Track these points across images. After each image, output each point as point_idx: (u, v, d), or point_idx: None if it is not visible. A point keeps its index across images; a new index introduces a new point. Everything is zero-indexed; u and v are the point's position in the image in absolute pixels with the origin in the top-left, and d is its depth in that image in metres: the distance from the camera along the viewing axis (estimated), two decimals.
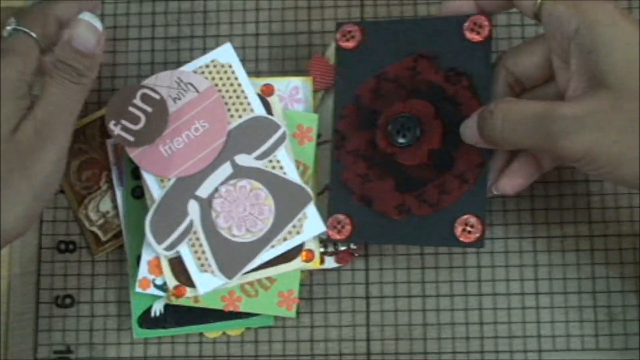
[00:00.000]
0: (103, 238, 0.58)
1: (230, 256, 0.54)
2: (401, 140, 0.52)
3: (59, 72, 0.49)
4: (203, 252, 0.54)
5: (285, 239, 0.55)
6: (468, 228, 0.51)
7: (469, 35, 0.52)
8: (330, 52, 0.58)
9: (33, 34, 0.50)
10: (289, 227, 0.55)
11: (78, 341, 0.58)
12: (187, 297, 0.55)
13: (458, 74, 0.53)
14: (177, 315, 0.57)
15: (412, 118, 0.52)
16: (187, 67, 0.57)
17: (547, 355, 0.56)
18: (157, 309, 0.57)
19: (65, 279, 0.59)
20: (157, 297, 0.57)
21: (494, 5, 0.52)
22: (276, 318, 0.57)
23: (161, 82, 0.56)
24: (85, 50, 0.49)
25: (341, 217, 0.54)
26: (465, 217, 0.51)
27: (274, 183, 0.55)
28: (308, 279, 0.58)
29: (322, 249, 0.56)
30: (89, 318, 0.58)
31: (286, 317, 0.57)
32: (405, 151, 0.52)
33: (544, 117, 0.45)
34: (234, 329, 0.57)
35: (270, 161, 0.55)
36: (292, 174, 0.55)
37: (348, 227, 0.54)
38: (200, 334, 0.58)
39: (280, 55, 0.60)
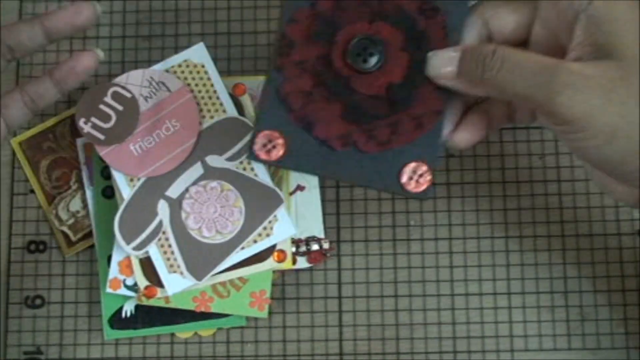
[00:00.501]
0: (73, 238, 0.58)
1: (199, 257, 0.54)
2: (362, 65, 0.47)
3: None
4: (172, 252, 0.54)
5: (255, 241, 0.54)
6: (416, 176, 0.47)
7: None
8: None
9: None
10: (259, 229, 0.54)
11: (48, 342, 0.58)
12: (158, 298, 0.55)
13: (434, 9, 0.48)
14: (148, 315, 0.57)
15: (377, 42, 0.47)
16: (160, 66, 0.56)
17: (519, 355, 0.56)
18: (128, 309, 0.57)
19: (36, 279, 0.58)
20: (128, 298, 0.56)
21: None
22: (248, 318, 0.57)
23: (133, 81, 0.56)
24: None
25: (274, 134, 0.47)
26: (414, 163, 0.47)
27: (245, 185, 0.55)
28: (280, 279, 0.57)
29: (294, 249, 0.56)
30: (59, 318, 0.58)
31: (258, 318, 0.57)
32: (362, 77, 0.47)
33: (549, 66, 0.43)
34: (205, 329, 0.57)
35: (242, 163, 0.55)
36: (263, 176, 0.55)
37: (280, 148, 0.47)
38: (172, 335, 0.57)
39: (252, 54, 0.60)
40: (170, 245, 0.54)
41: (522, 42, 0.48)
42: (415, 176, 0.47)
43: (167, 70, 0.56)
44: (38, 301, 0.58)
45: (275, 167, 0.52)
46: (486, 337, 0.56)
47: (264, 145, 0.47)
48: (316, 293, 0.57)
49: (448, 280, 0.57)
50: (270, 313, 0.57)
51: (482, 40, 0.49)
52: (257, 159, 0.47)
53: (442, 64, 0.46)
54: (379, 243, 0.57)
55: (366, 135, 0.47)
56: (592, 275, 0.57)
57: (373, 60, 0.47)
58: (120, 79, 0.56)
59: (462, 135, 0.49)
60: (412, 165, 0.47)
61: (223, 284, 0.55)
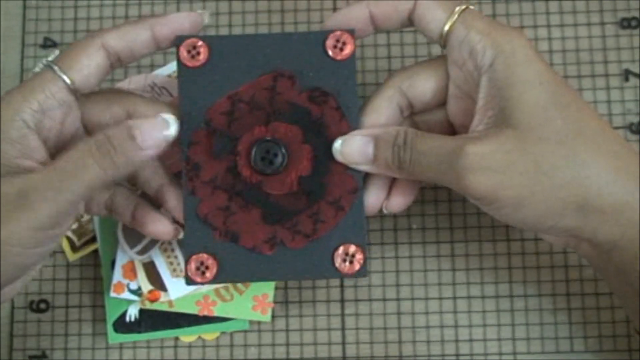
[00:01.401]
0: (77, 243, 0.58)
1: None
2: (269, 168, 0.48)
3: (94, 143, 0.44)
4: (175, 257, 0.54)
5: None
6: (349, 258, 0.48)
7: (332, 52, 0.49)
8: None
9: (61, 74, 0.45)
10: None
11: (53, 346, 0.58)
12: (162, 302, 0.55)
13: (324, 94, 0.49)
14: (152, 319, 0.57)
15: (278, 143, 0.48)
16: (161, 71, 0.57)
17: (521, 357, 0.56)
18: (132, 313, 0.57)
19: (40, 284, 0.59)
20: (132, 302, 0.56)
21: (391, 22, 0.48)
22: (251, 322, 0.57)
23: (135, 86, 0.56)
24: (140, 142, 0.44)
25: (204, 256, 0.48)
26: (343, 246, 0.48)
27: None
28: (283, 282, 0.58)
29: None
30: (64, 323, 0.58)
31: (261, 321, 0.57)
32: (272, 179, 0.48)
33: (451, 152, 0.44)
34: (209, 333, 0.57)
35: None
36: None
37: (213, 267, 0.48)
38: (176, 338, 0.58)
39: None
40: (173, 250, 0.55)
41: (443, 103, 0.49)
42: (348, 257, 0.48)
43: (169, 76, 0.56)
44: (43, 305, 0.58)
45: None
46: (488, 340, 0.56)
47: (197, 269, 0.48)
48: (319, 296, 0.58)
49: (450, 284, 0.57)
50: (273, 317, 0.57)
51: (402, 110, 0.49)
52: (193, 283, 0.48)
53: (355, 151, 0.47)
54: (381, 246, 0.58)
55: (291, 233, 0.48)
56: (594, 278, 0.57)
57: (278, 161, 0.48)
58: (123, 84, 0.56)
59: (396, 201, 0.50)
60: (342, 248, 0.48)
61: (226, 287, 0.56)
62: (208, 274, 0.48)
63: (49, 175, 0.43)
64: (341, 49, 0.49)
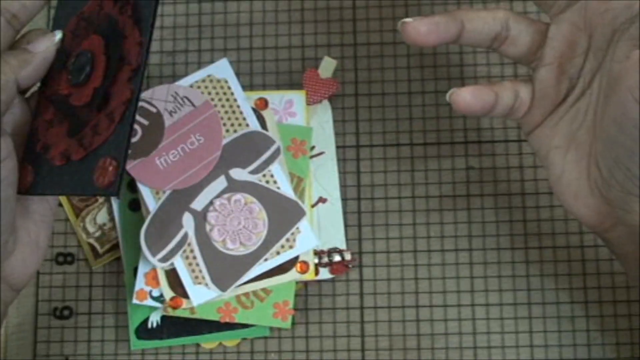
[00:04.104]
0: (100, 250, 0.59)
1: (223, 269, 0.55)
2: (74, 80, 0.48)
3: None
4: (197, 264, 0.55)
5: (278, 253, 0.55)
6: (105, 172, 0.45)
7: None
8: (323, 66, 0.59)
9: None
10: (282, 241, 0.55)
11: (76, 352, 0.59)
12: (184, 309, 0.56)
13: (126, 3, 0.47)
14: (174, 326, 0.58)
15: (87, 55, 0.48)
16: (184, 82, 0.57)
17: None
18: (154, 320, 0.58)
19: (64, 291, 0.59)
20: (154, 309, 0.57)
21: None
22: (272, 329, 0.58)
23: (158, 96, 0.57)
24: (31, 48, 0.48)
25: (24, 164, 0.48)
26: (103, 160, 0.45)
27: (268, 197, 0.56)
28: (303, 290, 0.58)
29: (316, 261, 0.57)
30: (87, 329, 0.59)
31: (282, 328, 0.57)
32: (78, 91, 0.48)
33: None
34: (230, 339, 0.58)
35: (264, 176, 0.56)
36: (285, 189, 0.56)
37: (29, 178, 0.48)
38: (197, 345, 0.58)
39: (274, 69, 0.61)
40: (195, 257, 0.55)
41: None
42: (105, 172, 0.45)
43: (191, 86, 0.57)
44: (66, 312, 0.59)
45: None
46: (507, 347, 0.57)
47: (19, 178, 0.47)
48: (338, 304, 0.58)
49: (469, 291, 0.58)
50: (293, 323, 0.57)
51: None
52: (19, 191, 0.48)
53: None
54: (400, 254, 0.58)
55: (78, 145, 0.47)
56: (612, 286, 0.57)
57: (82, 73, 0.47)
58: (146, 94, 0.57)
59: (464, 96, 0.48)
60: (102, 161, 0.45)
61: (247, 295, 0.56)
62: (24, 184, 0.48)
63: None
64: None
